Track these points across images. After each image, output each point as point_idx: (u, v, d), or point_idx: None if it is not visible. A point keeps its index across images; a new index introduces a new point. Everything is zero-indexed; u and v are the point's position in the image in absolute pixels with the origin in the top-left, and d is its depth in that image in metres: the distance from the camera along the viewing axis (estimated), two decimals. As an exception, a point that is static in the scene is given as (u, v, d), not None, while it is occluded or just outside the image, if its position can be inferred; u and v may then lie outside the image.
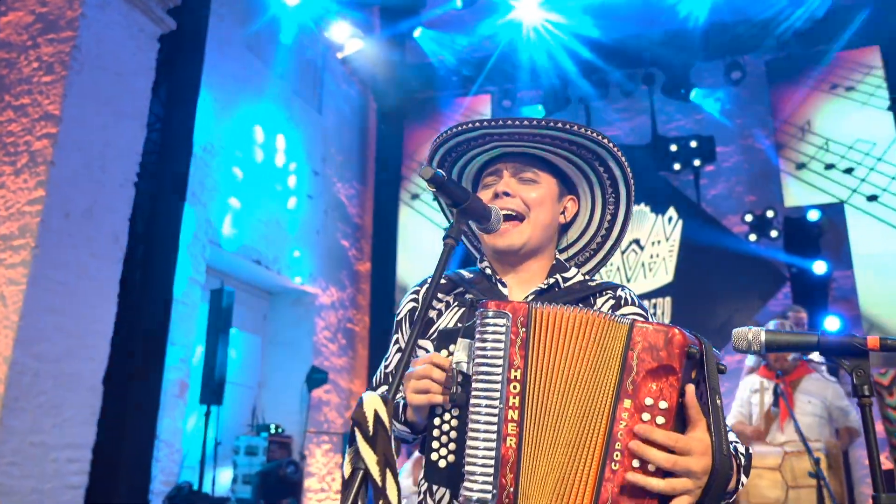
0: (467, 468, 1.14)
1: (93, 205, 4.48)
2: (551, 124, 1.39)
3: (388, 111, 9.05)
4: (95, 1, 4.64)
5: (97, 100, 4.61)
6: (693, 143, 7.90)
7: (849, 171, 7.14)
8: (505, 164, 1.46)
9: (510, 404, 1.15)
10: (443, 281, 1.52)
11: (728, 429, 1.16)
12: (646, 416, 1.08)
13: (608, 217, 1.52)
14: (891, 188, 6.98)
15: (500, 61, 8.34)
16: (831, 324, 6.76)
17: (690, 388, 1.10)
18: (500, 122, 1.41)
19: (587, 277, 1.50)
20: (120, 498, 4.62)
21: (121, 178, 4.74)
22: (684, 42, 7.72)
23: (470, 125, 1.43)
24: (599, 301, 1.43)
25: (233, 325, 6.24)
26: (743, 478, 1.20)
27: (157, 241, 5.10)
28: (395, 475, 0.96)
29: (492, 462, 1.13)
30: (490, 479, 1.12)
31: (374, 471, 0.93)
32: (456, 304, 1.45)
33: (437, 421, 1.27)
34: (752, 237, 7.56)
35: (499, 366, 1.16)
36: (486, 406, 1.15)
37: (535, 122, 1.39)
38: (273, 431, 6.75)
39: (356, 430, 0.96)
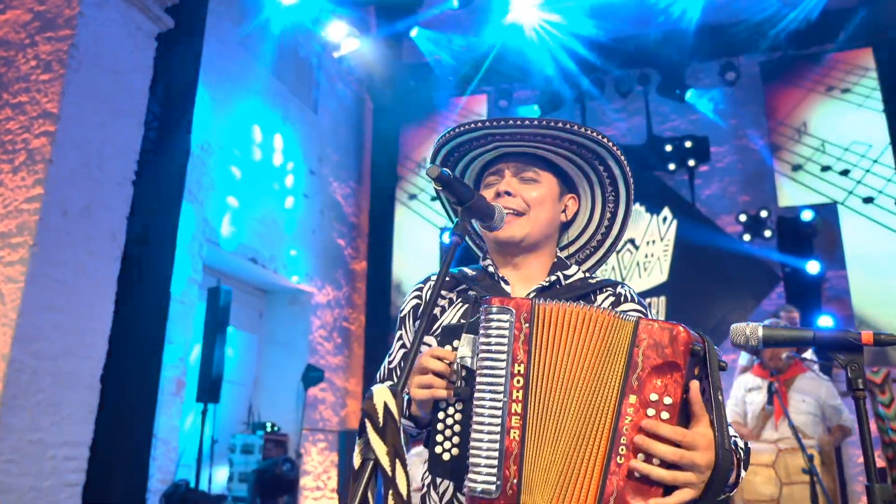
0: (472, 460, 1.17)
1: (91, 203, 4.49)
2: (552, 124, 1.41)
3: (385, 111, 9.08)
4: (93, -1, 4.66)
5: (95, 98, 4.62)
6: (688, 144, 7.95)
7: (845, 172, 7.20)
8: (507, 164, 1.48)
9: (514, 398, 1.18)
10: (446, 278, 1.55)
11: (728, 424, 1.19)
12: (650, 412, 1.11)
13: (608, 215, 1.55)
14: (886, 190, 7.04)
15: (497, 61, 8.37)
16: (824, 323, 6.82)
17: (694, 385, 1.12)
18: (503, 123, 1.43)
19: (587, 275, 1.53)
20: (117, 496, 4.63)
21: (118, 176, 4.74)
22: (679, 43, 7.76)
23: (473, 125, 1.46)
24: (600, 298, 1.45)
25: (229, 324, 6.25)
26: (742, 472, 1.23)
27: (154, 240, 5.10)
28: (405, 465, 0.98)
29: (496, 454, 1.15)
30: (494, 470, 1.14)
31: (385, 461, 0.96)
32: (459, 300, 1.47)
33: (441, 415, 1.29)
34: (746, 237, 7.62)
35: (503, 360, 1.19)
36: (491, 399, 1.18)
37: (536, 123, 1.41)
38: (269, 430, 6.77)
39: (367, 421, 0.99)
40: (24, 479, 3.99)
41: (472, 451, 1.17)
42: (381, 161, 9.03)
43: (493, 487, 1.14)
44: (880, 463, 5.05)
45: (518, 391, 1.18)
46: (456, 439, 1.27)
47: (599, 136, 1.43)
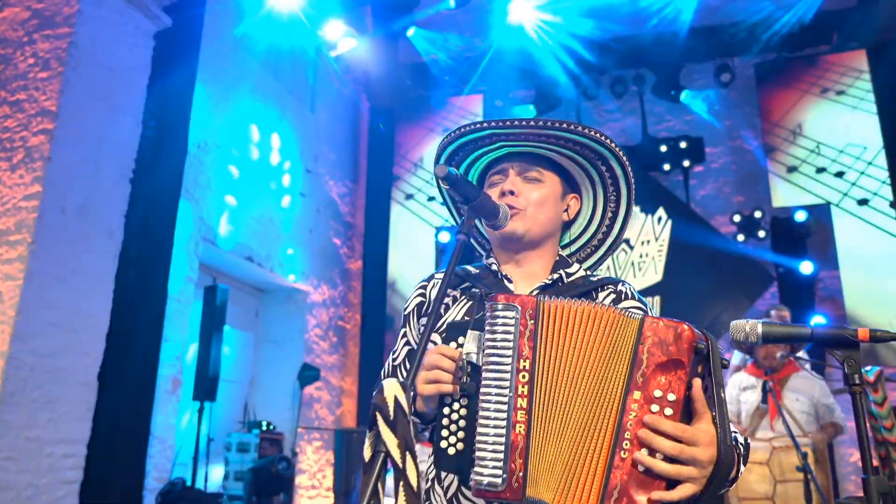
0: (478, 454, 1.19)
1: (88, 201, 4.50)
2: (556, 125, 1.44)
3: (381, 110, 9.09)
4: (92, -3, 4.66)
5: (93, 96, 4.63)
6: (683, 144, 8.00)
7: (840, 174, 7.25)
8: (511, 164, 1.51)
9: (519, 393, 1.20)
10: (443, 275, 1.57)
11: (730, 420, 1.21)
12: (654, 408, 1.13)
13: (609, 215, 1.58)
14: (881, 192, 7.09)
15: (493, 61, 8.40)
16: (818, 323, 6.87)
17: (697, 382, 1.15)
18: (507, 123, 1.46)
19: (589, 273, 1.55)
20: (114, 494, 4.64)
21: (116, 174, 4.75)
22: (674, 44, 7.81)
23: (478, 125, 1.48)
24: (601, 295, 1.48)
25: (226, 323, 6.25)
26: (742, 467, 1.25)
27: (152, 238, 5.11)
28: (415, 458, 1.01)
29: (502, 448, 1.17)
30: (500, 464, 1.17)
31: (396, 454, 0.98)
32: (463, 297, 1.50)
33: (446, 410, 1.32)
34: (741, 237, 7.67)
35: (508, 356, 1.21)
36: (497, 394, 1.20)
37: (540, 123, 1.44)
38: (264, 428, 6.77)
39: (377, 414, 1.01)
40: (21, 477, 4.00)
41: (478, 445, 1.19)
42: (377, 160, 9.05)
43: (499, 480, 1.16)
44: (873, 461, 5.09)
45: (523, 386, 1.20)
46: (461, 434, 1.30)
47: (602, 137, 1.45)
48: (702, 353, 1.15)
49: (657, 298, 7.50)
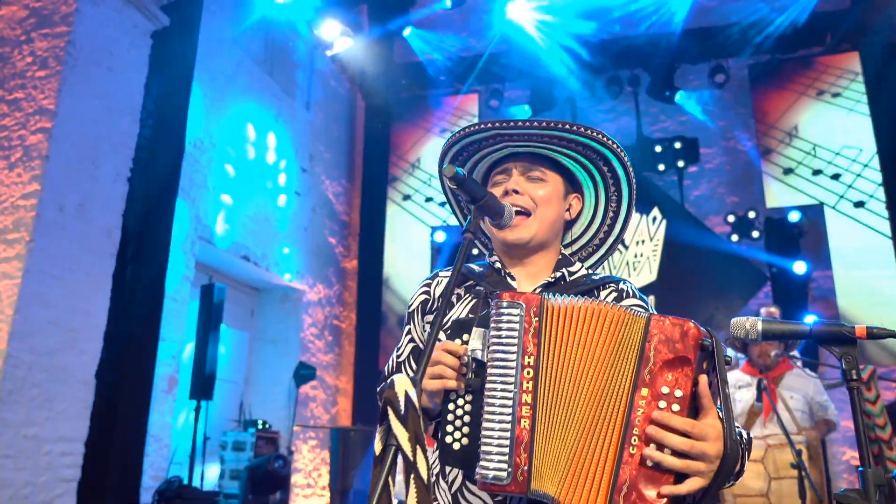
0: (483, 448, 1.21)
1: (86, 199, 4.51)
2: (559, 125, 1.46)
3: (377, 109, 9.11)
4: (90, -4, 4.67)
5: (91, 95, 4.63)
6: (677, 145, 8.04)
7: (836, 176, 7.30)
8: (514, 164, 1.53)
9: (524, 388, 1.23)
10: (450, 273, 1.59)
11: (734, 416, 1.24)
12: (662, 404, 1.15)
13: (610, 214, 1.60)
14: (876, 194, 7.14)
15: (489, 61, 8.43)
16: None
17: (703, 378, 1.17)
18: (511, 124, 1.48)
19: (590, 272, 1.58)
20: (112, 492, 4.64)
21: (114, 173, 4.76)
22: (669, 45, 7.85)
23: (482, 126, 1.51)
24: (603, 294, 1.50)
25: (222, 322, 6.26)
26: (746, 460, 1.28)
27: (149, 237, 5.12)
28: (425, 451, 1.03)
29: (507, 442, 1.20)
30: (505, 458, 1.19)
31: (406, 447, 1.00)
32: (468, 295, 1.52)
33: (451, 406, 1.34)
34: (735, 237, 7.71)
35: (513, 352, 1.24)
36: (502, 390, 1.22)
37: (543, 124, 1.46)
38: (260, 427, 6.78)
39: (388, 409, 1.03)
40: (19, 474, 4.00)
41: (483, 440, 1.22)
42: (372, 159, 9.06)
43: (504, 474, 1.19)
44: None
45: (528, 382, 1.23)
46: (466, 429, 1.32)
47: (604, 138, 1.48)
48: (707, 350, 1.18)
49: (652, 298, 7.54)
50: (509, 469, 1.19)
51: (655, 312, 1.26)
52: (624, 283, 1.53)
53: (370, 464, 6.95)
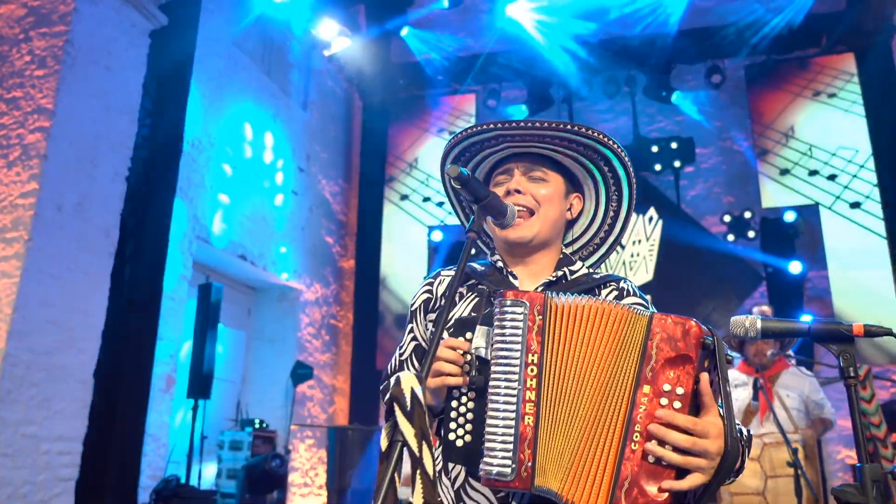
0: (487, 445, 1.23)
1: (85, 199, 4.51)
2: (561, 126, 1.48)
3: (374, 109, 9.12)
4: (88, -5, 4.67)
5: (89, 94, 4.63)
6: (674, 145, 8.07)
7: (832, 177, 7.33)
8: (516, 164, 1.55)
9: (528, 386, 1.24)
10: (454, 272, 1.61)
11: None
12: (664, 401, 1.17)
13: (611, 214, 1.62)
14: (872, 195, 7.17)
15: (486, 61, 8.46)
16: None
17: (705, 376, 1.19)
18: (513, 125, 1.50)
19: (591, 270, 1.60)
20: (110, 491, 4.65)
21: (112, 172, 4.76)
22: (665, 46, 7.88)
23: (484, 126, 1.52)
24: (604, 292, 1.52)
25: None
26: (747, 457, 1.30)
27: (147, 237, 5.12)
28: (431, 447, 1.04)
29: (511, 439, 1.21)
30: (509, 454, 1.21)
31: (413, 443, 1.02)
32: (470, 294, 1.53)
33: (454, 403, 1.35)
34: (730, 237, 7.74)
35: (517, 350, 1.25)
36: (506, 387, 1.24)
37: (545, 125, 1.48)
38: (257, 426, 6.79)
39: (395, 405, 1.05)
40: (18, 473, 4.01)
41: (487, 437, 1.23)
42: (370, 159, 9.07)
43: (508, 470, 1.20)
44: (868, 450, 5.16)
45: (532, 379, 1.24)
46: (469, 426, 1.33)
47: (605, 139, 1.50)
48: (709, 349, 1.20)
49: (648, 297, 7.56)
50: (513, 465, 1.20)
51: (656, 311, 1.28)
52: (624, 282, 1.55)
53: (368, 463, 6.96)
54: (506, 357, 1.25)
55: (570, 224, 1.63)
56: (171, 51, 5.45)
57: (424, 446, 1.03)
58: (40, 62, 4.48)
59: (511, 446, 1.21)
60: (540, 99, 8.45)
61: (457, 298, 1.55)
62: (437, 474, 1.46)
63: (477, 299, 1.50)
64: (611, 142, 1.51)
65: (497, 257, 1.59)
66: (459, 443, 1.34)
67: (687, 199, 8.24)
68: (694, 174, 8.31)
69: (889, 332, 1.19)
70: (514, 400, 1.23)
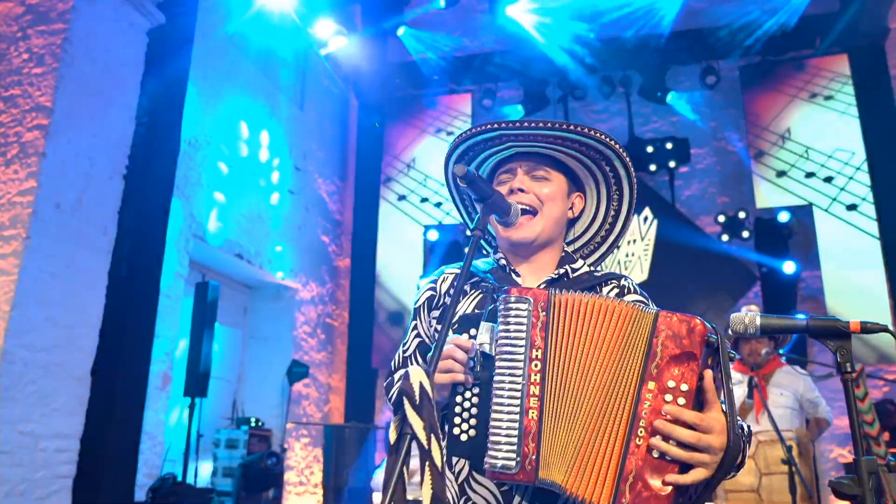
0: (492, 438, 1.25)
1: (83, 196, 4.52)
2: (564, 127, 1.51)
3: (370, 108, 9.13)
4: (86, -7, 4.67)
5: (87, 92, 4.64)
6: (669, 145, 8.11)
7: (828, 179, 7.38)
8: (519, 163, 1.57)
9: (532, 380, 1.27)
10: (458, 270, 1.63)
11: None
12: (668, 397, 1.20)
13: (612, 213, 1.65)
14: (868, 197, 7.22)
15: (482, 61, 8.48)
16: (799, 322, 7.00)
17: (708, 373, 1.22)
18: (517, 125, 1.52)
19: (592, 268, 1.62)
20: (107, 489, 4.65)
21: (110, 170, 4.77)
22: (660, 46, 7.92)
23: (489, 126, 1.55)
24: (605, 290, 1.55)
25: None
26: (747, 453, 1.33)
27: (144, 235, 5.12)
28: (439, 439, 1.07)
29: (515, 433, 1.24)
30: (514, 447, 1.23)
31: (421, 435, 1.04)
32: (473, 291, 1.56)
33: (458, 398, 1.38)
34: (725, 237, 7.79)
35: (521, 346, 1.28)
36: (510, 382, 1.26)
37: (549, 125, 1.51)
38: (253, 425, 6.80)
39: (404, 399, 1.07)
40: (15, 471, 4.01)
41: (492, 430, 1.25)
42: (366, 158, 9.08)
43: (512, 463, 1.23)
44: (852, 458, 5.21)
45: (536, 374, 1.27)
46: (473, 421, 1.36)
47: (607, 139, 1.52)
48: (712, 346, 1.23)
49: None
50: (518, 458, 1.23)
51: (656, 308, 1.30)
52: (625, 280, 1.57)
53: (364, 462, 6.96)
54: (510, 352, 1.28)
55: (572, 223, 1.66)
56: (169, 49, 5.45)
57: (433, 439, 1.05)
58: (38, 60, 4.48)
59: (515, 440, 1.24)
60: (536, 99, 8.48)
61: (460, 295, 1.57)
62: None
63: (481, 296, 1.52)
64: (612, 142, 1.53)
65: (500, 255, 1.61)
66: (464, 437, 1.37)
67: (682, 199, 8.29)
68: (689, 174, 8.36)
69: (885, 329, 1.22)
70: (518, 394, 1.25)
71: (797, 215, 7.49)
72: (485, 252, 1.73)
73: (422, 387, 1.07)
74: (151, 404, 5.50)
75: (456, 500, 1.41)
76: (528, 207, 1.53)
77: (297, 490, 7.67)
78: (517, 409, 1.25)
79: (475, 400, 1.37)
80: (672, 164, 8.11)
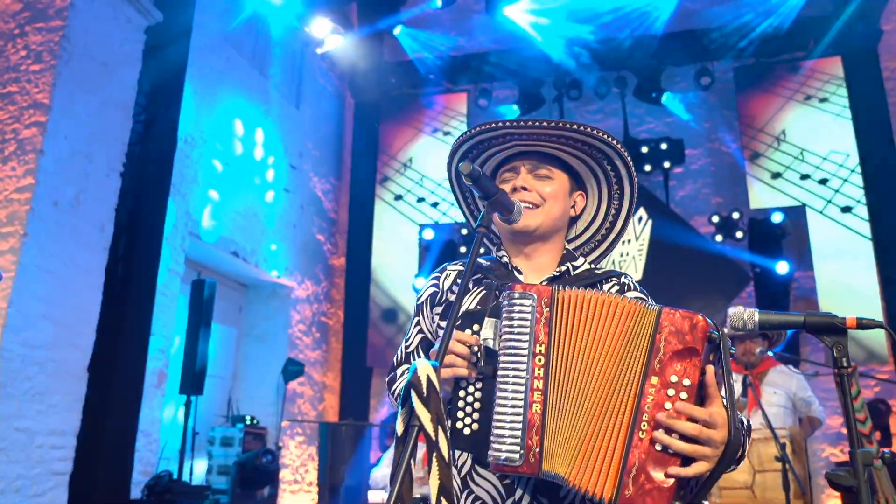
0: (496, 431, 1.27)
1: (80, 194, 4.52)
2: (567, 126, 1.53)
3: (365, 107, 9.14)
4: (84, -9, 4.67)
5: (85, 89, 4.64)
6: (663, 146, 8.14)
7: (823, 181, 7.43)
8: (522, 162, 1.59)
9: (535, 375, 1.29)
10: (460, 267, 1.65)
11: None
12: (671, 392, 1.22)
13: (612, 211, 1.67)
14: (863, 199, 7.26)
15: (478, 61, 8.51)
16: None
17: (710, 369, 1.25)
18: (521, 124, 1.54)
19: (593, 266, 1.65)
20: (103, 486, 4.66)
21: (107, 167, 4.77)
22: (655, 47, 7.96)
23: (493, 125, 1.57)
24: (606, 287, 1.57)
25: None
26: (748, 446, 1.35)
27: (140, 232, 5.13)
28: (446, 432, 1.09)
29: (519, 426, 1.26)
30: (518, 440, 1.25)
31: (429, 427, 1.06)
32: (476, 288, 1.58)
33: (462, 393, 1.40)
34: (719, 238, 7.83)
35: (525, 341, 1.30)
36: (514, 376, 1.29)
37: (552, 124, 1.53)
38: (248, 423, 6.81)
39: (412, 391, 1.09)
40: (11, 467, 4.02)
41: (495, 423, 1.27)
42: (362, 157, 9.09)
43: (516, 456, 1.25)
44: (845, 457, 5.27)
45: (539, 369, 1.29)
46: (477, 415, 1.38)
47: (609, 138, 1.55)
48: (714, 342, 1.25)
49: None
50: (521, 451, 1.25)
51: (657, 305, 1.33)
52: (625, 277, 1.60)
53: (359, 459, 6.96)
54: (514, 347, 1.30)
55: (574, 221, 1.68)
56: (166, 47, 5.46)
57: (441, 431, 1.07)
58: (36, 57, 4.48)
59: (519, 433, 1.25)
60: (531, 99, 8.50)
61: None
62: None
63: (484, 292, 1.54)
64: (614, 141, 1.56)
65: (502, 253, 1.63)
66: (467, 431, 1.39)
67: (676, 200, 8.33)
68: (683, 175, 8.40)
69: (881, 325, 1.24)
70: (522, 388, 1.27)
71: (790, 216, 7.54)
72: (482, 252, 1.75)
73: (429, 380, 1.09)
74: (147, 402, 5.50)
75: (459, 494, 1.43)
76: (530, 205, 1.55)
77: (291, 488, 7.68)
78: (521, 403, 1.27)
79: (478, 394, 1.39)
80: (666, 164, 8.15)
